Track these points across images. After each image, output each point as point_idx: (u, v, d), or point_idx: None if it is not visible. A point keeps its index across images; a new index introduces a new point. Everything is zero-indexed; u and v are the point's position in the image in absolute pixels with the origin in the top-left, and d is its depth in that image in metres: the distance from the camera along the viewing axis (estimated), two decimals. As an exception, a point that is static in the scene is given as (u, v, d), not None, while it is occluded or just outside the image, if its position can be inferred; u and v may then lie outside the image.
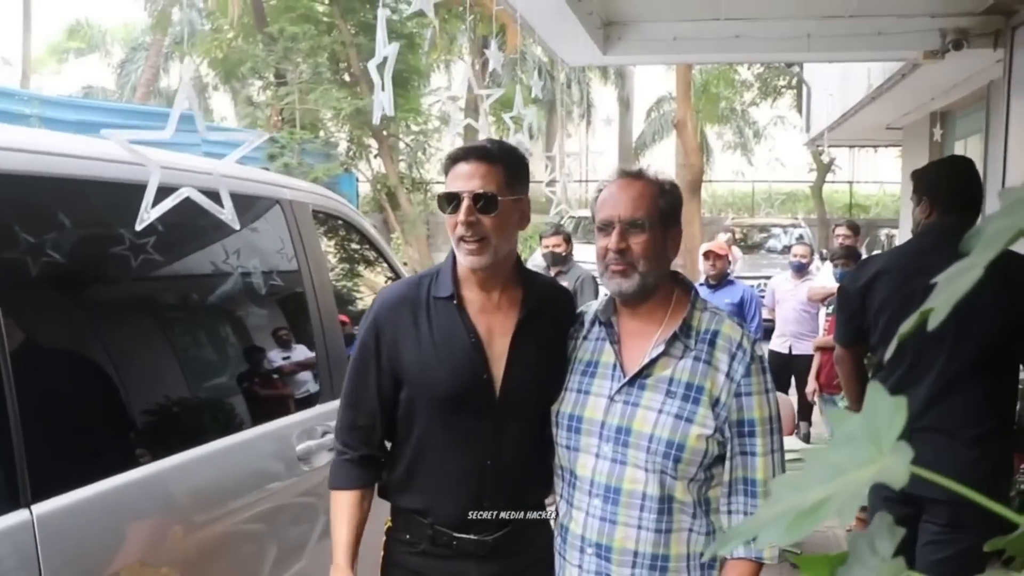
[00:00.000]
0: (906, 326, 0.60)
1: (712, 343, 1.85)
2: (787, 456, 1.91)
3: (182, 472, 2.08)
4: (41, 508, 1.66)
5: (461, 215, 1.85)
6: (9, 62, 24.46)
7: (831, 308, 5.93)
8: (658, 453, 1.79)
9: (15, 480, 1.63)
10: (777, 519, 0.58)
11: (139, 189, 1.86)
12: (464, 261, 1.90)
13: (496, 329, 1.95)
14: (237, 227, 1.93)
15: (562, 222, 6.64)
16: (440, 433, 1.94)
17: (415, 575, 2.01)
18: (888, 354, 0.67)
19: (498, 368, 1.93)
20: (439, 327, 1.93)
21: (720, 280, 6.07)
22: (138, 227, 1.87)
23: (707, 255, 6.06)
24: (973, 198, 2.84)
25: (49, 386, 1.80)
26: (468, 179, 1.87)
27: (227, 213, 1.98)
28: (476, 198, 1.85)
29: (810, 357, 6.09)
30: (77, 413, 1.90)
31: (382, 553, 2.07)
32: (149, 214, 1.87)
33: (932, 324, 0.57)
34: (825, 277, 6.58)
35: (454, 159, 1.93)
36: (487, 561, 1.98)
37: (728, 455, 1.83)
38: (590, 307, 2.05)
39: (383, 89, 2.88)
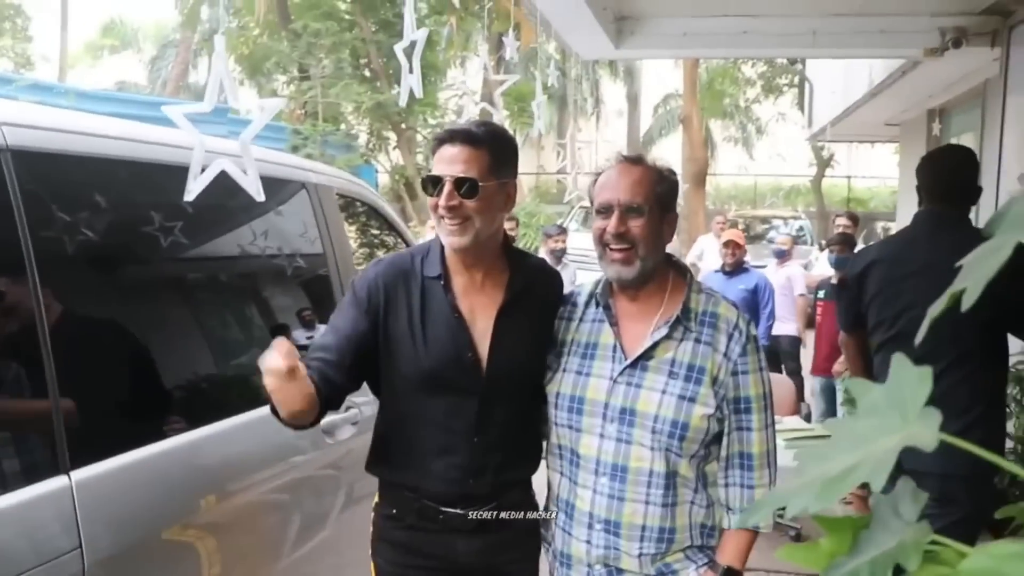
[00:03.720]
0: (936, 308, 0.59)
1: (711, 325, 1.89)
2: (794, 435, 1.96)
3: (211, 443, 2.15)
4: (80, 474, 1.73)
5: (442, 199, 1.83)
6: (48, 59, 25.21)
7: (821, 294, 6.03)
8: (663, 432, 1.83)
9: (54, 449, 1.71)
10: (806, 487, 0.59)
11: (164, 169, 1.89)
12: (445, 241, 1.90)
13: (479, 310, 1.94)
14: (261, 198, 1.93)
15: (573, 211, 6.75)
16: (426, 409, 1.94)
17: (403, 549, 2.01)
18: (919, 338, 0.68)
19: (483, 348, 1.93)
20: (426, 305, 1.93)
21: (736, 268, 6.23)
22: (187, 198, 1.86)
23: (727, 244, 6.25)
24: (961, 187, 2.88)
25: (86, 360, 1.86)
26: (451, 163, 1.85)
27: (251, 183, 1.95)
28: (458, 183, 1.83)
29: (790, 338, 6.53)
30: (112, 386, 1.96)
31: (371, 530, 2.09)
32: (194, 186, 1.87)
33: (965, 304, 0.56)
34: (824, 266, 6.82)
35: (440, 141, 1.91)
36: (474, 536, 1.98)
37: (725, 431, 1.88)
38: (582, 288, 2.07)
39: (411, 72, 2.90)
